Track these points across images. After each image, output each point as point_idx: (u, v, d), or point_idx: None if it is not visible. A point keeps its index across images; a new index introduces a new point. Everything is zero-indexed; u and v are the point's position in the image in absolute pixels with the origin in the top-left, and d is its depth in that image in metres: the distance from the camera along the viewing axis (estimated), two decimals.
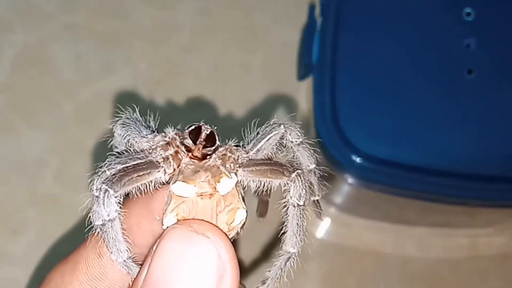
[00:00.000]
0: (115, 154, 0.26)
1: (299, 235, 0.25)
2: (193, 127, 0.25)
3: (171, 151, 0.25)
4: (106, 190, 0.24)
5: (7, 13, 0.60)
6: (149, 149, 0.25)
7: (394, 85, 0.50)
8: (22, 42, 0.60)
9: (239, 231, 0.25)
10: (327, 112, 0.48)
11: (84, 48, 0.60)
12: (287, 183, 0.25)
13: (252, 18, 0.62)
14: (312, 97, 0.50)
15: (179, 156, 0.25)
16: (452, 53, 0.50)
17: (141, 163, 0.25)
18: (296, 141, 0.27)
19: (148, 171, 0.25)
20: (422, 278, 0.58)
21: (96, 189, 0.24)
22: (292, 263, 0.26)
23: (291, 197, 0.25)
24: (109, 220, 0.24)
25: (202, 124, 0.25)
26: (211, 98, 0.60)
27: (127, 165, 0.25)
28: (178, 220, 0.24)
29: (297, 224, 0.25)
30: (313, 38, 0.52)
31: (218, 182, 0.24)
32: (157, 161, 0.25)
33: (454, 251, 0.59)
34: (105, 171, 0.24)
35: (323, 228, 0.59)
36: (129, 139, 0.26)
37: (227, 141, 0.27)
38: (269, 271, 0.26)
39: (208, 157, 0.25)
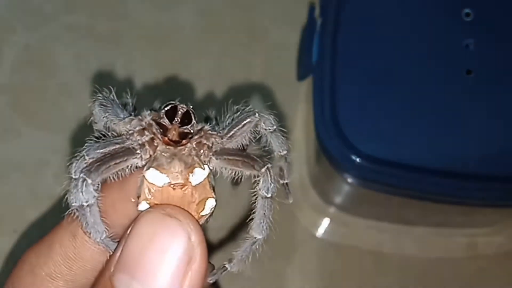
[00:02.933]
0: (93, 139, 0.27)
1: (266, 223, 0.26)
2: (168, 106, 0.26)
3: (147, 137, 0.26)
4: (84, 179, 0.25)
5: (8, 14, 0.61)
6: (126, 134, 0.26)
7: (393, 85, 0.50)
8: (22, 43, 0.60)
9: (208, 219, 0.26)
10: (327, 112, 0.48)
11: (84, 48, 0.60)
12: (257, 176, 0.26)
13: (252, 18, 0.63)
14: (312, 97, 0.50)
15: (155, 143, 0.26)
16: (451, 53, 0.50)
17: (118, 150, 0.26)
18: (269, 129, 0.28)
19: (125, 158, 0.26)
20: (422, 278, 0.59)
21: (74, 174, 0.25)
22: (257, 247, 0.27)
23: (260, 189, 0.26)
24: (87, 206, 0.25)
25: (178, 103, 0.26)
26: (211, 98, 0.60)
27: (104, 152, 0.25)
28: (150, 206, 0.25)
29: (264, 214, 0.26)
30: (313, 38, 0.52)
31: (191, 173, 0.25)
32: (133, 148, 0.26)
33: (454, 250, 0.59)
34: (83, 156, 0.25)
35: (322, 227, 0.59)
36: (107, 120, 0.27)
37: (202, 121, 0.27)
38: (236, 251, 0.27)
39: (184, 141, 0.26)
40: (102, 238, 0.25)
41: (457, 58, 0.50)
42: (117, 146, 0.26)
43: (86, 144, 0.26)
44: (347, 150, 0.47)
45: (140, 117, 0.27)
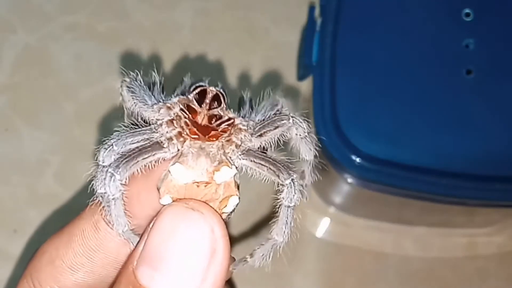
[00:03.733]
0: (122, 128, 0.26)
1: (287, 229, 0.27)
2: (198, 89, 0.26)
3: (175, 131, 0.25)
4: (112, 174, 0.24)
5: (8, 14, 0.61)
6: (155, 125, 0.26)
7: (393, 85, 0.50)
8: (22, 43, 0.60)
9: (230, 215, 0.26)
10: (327, 112, 0.48)
11: (84, 48, 0.60)
12: (281, 185, 0.26)
13: (252, 18, 0.63)
14: (312, 97, 0.50)
15: (183, 136, 0.25)
16: (451, 53, 0.50)
17: (146, 145, 0.25)
18: (301, 135, 0.28)
19: (153, 152, 0.26)
20: (422, 278, 0.59)
21: (102, 161, 0.25)
22: (278, 247, 0.27)
23: (283, 198, 0.26)
24: (113, 199, 0.25)
25: (207, 86, 0.26)
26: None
27: (133, 145, 0.25)
28: (173, 200, 0.25)
29: (286, 221, 0.26)
30: (313, 39, 0.52)
31: (218, 171, 0.25)
32: (161, 142, 0.26)
33: (453, 250, 0.59)
34: (112, 145, 0.25)
35: (322, 227, 0.59)
36: (135, 106, 0.27)
37: (233, 109, 0.27)
38: (258, 248, 0.27)
39: (212, 132, 0.25)
40: (124, 230, 0.26)
41: (457, 58, 0.50)
42: (145, 139, 0.26)
43: (114, 134, 0.26)
44: (347, 150, 0.47)
45: (168, 104, 0.26)
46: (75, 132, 0.58)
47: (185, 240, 0.23)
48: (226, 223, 0.25)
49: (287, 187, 0.26)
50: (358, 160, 0.47)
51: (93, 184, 0.26)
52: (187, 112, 0.26)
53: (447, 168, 0.48)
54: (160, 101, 0.27)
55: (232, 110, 0.27)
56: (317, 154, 0.29)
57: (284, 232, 0.27)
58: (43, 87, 0.59)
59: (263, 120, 0.27)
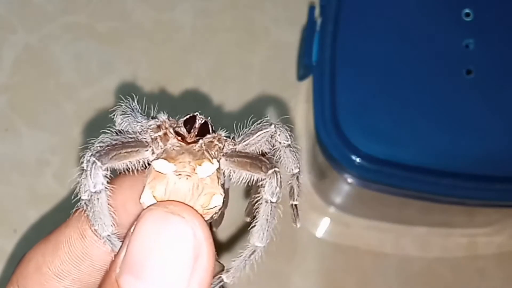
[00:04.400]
0: (107, 132, 0.26)
1: (267, 231, 0.25)
2: (187, 116, 0.26)
3: (160, 132, 0.26)
4: (94, 161, 0.24)
5: (8, 13, 0.61)
6: (141, 131, 0.26)
7: (393, 85, 0.50)
8: (22, 42, 0.60)
9: (213, 216, 0.26)
10: (327, 112, 0.48)
11: (84, 48, 0.60)
12: (263, 179, 0.25)
13: (252, 18, 0.63)
14: (312, 98, 0.50)
15: (167, 138, 0.26)
16: (451, 53, 0.50)
17: (130, 140, 0.25)
18: (284, 143, 0.27)
19: (137, 148, 0.25)
20: (422, 278, 0.59)
21: (85, 165, 0.24)
22: (256, 257, 0.26)
23: (264, 193, 0.25)
24: (95, 192, 0.24)
25: (197, 114, 0.26)
26: (211, 98, 0.60)
27: (116, 141, 0.25)
28: (155, 198, 0.24)
29: (267, 220, 0.25)
30: (313, 39, 0.52)
31: (199, 165, 0.25)
32: (146, 141, 0.26)
33: (454, 250, 0.59)
34: (96, 146, 0.25)
35: (322, 227, 0.59)
36: (126, 124, 0.27)
37: (219, 130, 0.27)
38: (234, 261, 0.26)
39: (195, 142, 0.25)
40: (108, 233, 0.25)
41: (457, 58, 0.50)
42: (130, 139, 0.26)
43: (100, 137, 0.25)
44: (347, 150, 0.47)
45: (156, 119, 0.27)
46: (75, 132, 0.58)
47: (166, 246, 0.23)
48: (211, 225, 0.25)
49: (269, 178, 0.25)
50: (358, 160, 0.47)
51: (77, 190, 0.25)
52: (175, 134, 0.26)
53: (447, 168, 0.48)
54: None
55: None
56: (300, 168, 0.28)
57: (263, 234, 0.25)
58: (43, 87, 0.59)
59: (248, 129, 0.27)
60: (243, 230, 0.56)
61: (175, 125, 0.26)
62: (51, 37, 0.60)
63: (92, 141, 0.25)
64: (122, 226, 0.26)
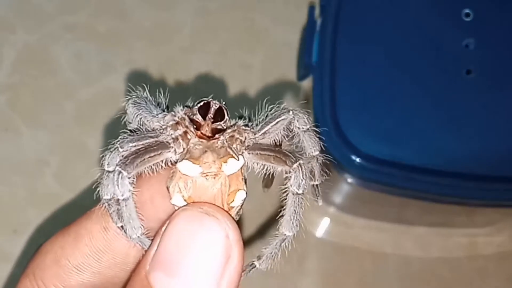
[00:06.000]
0: (127, 132, 0.26)
1: (296, 220, 0.26)
2: (202, 103, 0.26)
3: (180, 131, 0.26)
4: (120, 172, 0.24)
5: (8, 13, 0.61)
6: (160, 129, 0.26)
7: (393, 85, 0.50)
8: (22, 42, 0.60)
9: (238, 211, 0.26)
10: (327, 112, 0.48)
11: (84, 48, 0.60)
12: (289, 172, 0.26)
13: (252, 18, 0.63)
14: (312, 98, 0.50)
15: (188, 136, 0.26)
16: (451, 53, 0.50)
17: (152, 143, 0.26)
18: (303, 128, 0.28)
19: (159, 151, 0.25)
20: (421, 278, 0.59)
21: (107, 166, 0.24)
22: (286, 244, 0.27)
23: (291, 185, 0.26)
24: (123, 200, 0.24)
25: (211, 100, 0.26)
26: (211, 98, 0.60)
27: (139, 146, 0.25)
28: (184, 199, 0.25)
29: (295, 210, 0.26)
30: (313, 39, 0.52)
31: (225, 162, 0.25)
32: (167, 142, 0.26)
33: (454, 250, 0.59)
34: (117, 148, 0.25)
35: (322, 227, 0.59)
36: (141, 117, 0.27)
37: (236, 119, 0.27)
38: (265, 248, 0.27)
39: (217, 135, 0.26)
40: (138, 235, 0.25)
41: (457, 58, 0.50)
42: (151, 139, 0.26)
43: (120, 137, 0.26)
44: (347, 150, 0.47)
45: (173, 112, 0.27)
46: (75, 132, 0.58)
47: (200, 246, 0.23)
48: (238, 223, 0.25)
49: (295, 172, 0.25)
50: (358, 160, 0.47)
51: (98, 190, 0.25)
52: (191, 123, 0.26)
53: (446, 168, 0.48)
54: (164, 111, 0.27)
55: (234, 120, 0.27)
56: (323, 148, 0.29)
57: (292, 223, 0.26)
58: (43, 87, 0.59)
59: (265, 117, 0.28)
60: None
61: (190, 113, 0.26)
62: (51, 37, 0.60)
63: (113, 142, 0.25)
64: (149, 220, 0.26)
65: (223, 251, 0.23)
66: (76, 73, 0.60)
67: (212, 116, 0.26)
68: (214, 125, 0.26)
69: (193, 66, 0.61)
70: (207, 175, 0.25)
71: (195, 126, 0.26)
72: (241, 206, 0.26)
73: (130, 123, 0.28)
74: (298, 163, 0.25)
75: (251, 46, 0.62)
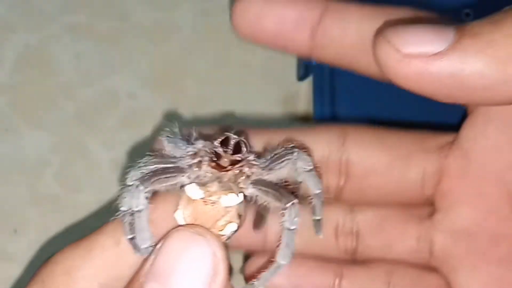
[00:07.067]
0: (151, 154, 0.30)
1: (289, 251, 0.30)
2: (223, 137, 0.30)
3: (196, 160, 0.30)
4: (138, 185, 0.28)
5: (8, 14, 0.61)
6: (180, 156, 0.30)
7: (393, 86, 0.50)
8: (23, 43, 0.60)
9: (226, 240, 0.30)
10: (327, 112, 0.48)
11: (85, 48, 0.60)
12: (284, 208, 0.29)
13: None
14: (312, 97, 0.50)
15: (202, 165, 0.30)
16: None
17: (170, 167, 0.30)
18: (305, 168, 0.31)
19: (175, 175, 0.29)
20: None
21: (130, 181, 0.29)
22: (281, 269, 0.30)
23: (284, 222, 0.29)
24: (137, 211, 0.28)
25: (231, 135, 0.30)
26: (211, 98, 0.60)
27: (159, 167, 0.29)
28: (183, 217, 0.29)
29: (287, 244, 0.29)
30: None
31: (225, 195, 0.29)
32: (183, 168, 0.30)
33: None
34: (140, 166, 0.29)
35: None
36: (168, 150, 0.31)
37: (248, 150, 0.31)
38: (264, 272, 0.31)
39: (229, 167, 0.30)
40: (146, 246, 0.28)
41: None
42: (171, 164, 0.30)
43: (144, 160, 0.30)
44: None
45: (194, 145, 0.30)
46: (76, 132, 0.58)
47: (190, 260, 0.26)
48: (227, 246, 0.28)
49: (288, 210, 0.29)
50: None
51: (118, 202, 0.29)
52: (213, 154, 0.30)
53: None
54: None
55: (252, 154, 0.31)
56: (323, 188, 0.32)
57: (286, 253, 0.30)
58: (43, 87, 0.59)
59: (273, 155, 0.31)
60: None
61: (210, 146, 0.30)
62: (51, 37, 0.60)
63: (139, 161, 0.30)
64: (160, 235, 0.29)
65: (211, 266, 0.26)
66: (77, 73, 0.60)
67: (231, 148, 0.30)
68: (232, 157, 0.30)
69: (193, 66, 0.61)
70: (206, 202, 0.29)
71: (213, 157, 0.30)
72: (230, 237, 0.29)
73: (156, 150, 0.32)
74: (291, 202, 0.29)
75: (251, 46, 0.62)
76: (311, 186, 0.32)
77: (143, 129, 0.59)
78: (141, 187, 0.28)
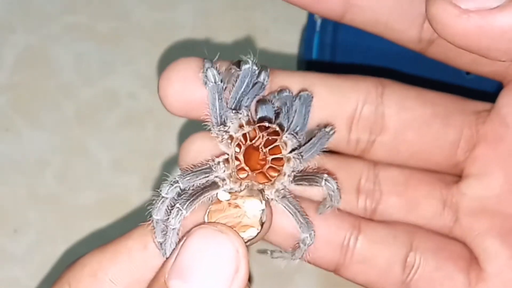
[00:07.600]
0: (185, 168, 0.31)
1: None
2: (260, 123, 0.31)
3: (227, 172, 0.31)
4: (180, 210, 0.29)
5: (8, 14, 0.61)
6: (213, 163, 0.31)
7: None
8: (23, 43, 0.60)
9: (246, 243, 0.30)
10: None
11: (85, 48, 0.60)
12: (299, 227, 0.32)
13: (252, 18, 0.63)
14: None
15: (233, 177, 0.31)
16: None
17: (206, 185, 0.30)
18: (331, 193, 0.32)
19: (212, 192, 0.31)
20: None
21: (165, 193, 0.29)
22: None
23: (295, 254, 0.33)
24: (173, 229, 0.29)
25: (267, 122, 0.31)
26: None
27: (195, 182, 0.30)
28: (210, 215, 0.30)
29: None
30: (313, 39, 0.52)
31: (250, 200, 0.30)
32: (217, 182, 0.31)
33: None
34: (177, 180, 0.30)
35: None
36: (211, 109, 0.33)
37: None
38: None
39: (260, 175, 0.30)
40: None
41: None
42: (205, 177, 0.31)
43: (179, 173, 0.31)
44: None
45: (239, 115, 0.32)
46: (75, 132, 0.59)
47: (213, 256, 0.27)
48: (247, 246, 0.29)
49: (302, 242, 0.32)
50: None
51: (151, 209, 0.30)
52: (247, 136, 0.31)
53: None
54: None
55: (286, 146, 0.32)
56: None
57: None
58: (43, 87, 0.59)
59: (304, 175, 0.32)
60: None
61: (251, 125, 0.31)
62: (51, 37, 0.61)
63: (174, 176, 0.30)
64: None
65: (233, 262, 0.27)
66: (77, 73, 0.60)
67: (267, 133, 0.31)
68: (268, 137, 0.30)
69: None
70: (231, 204, 0.30)
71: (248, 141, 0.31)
72: (248, 241, 0.30)
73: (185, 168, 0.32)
74: (309, 234, 0.32)
75: (251, 46, 0.62)
76: (333, 200, 0.32)
77: (143, 129, 0.59)
78: (184, 212, 0.29)
